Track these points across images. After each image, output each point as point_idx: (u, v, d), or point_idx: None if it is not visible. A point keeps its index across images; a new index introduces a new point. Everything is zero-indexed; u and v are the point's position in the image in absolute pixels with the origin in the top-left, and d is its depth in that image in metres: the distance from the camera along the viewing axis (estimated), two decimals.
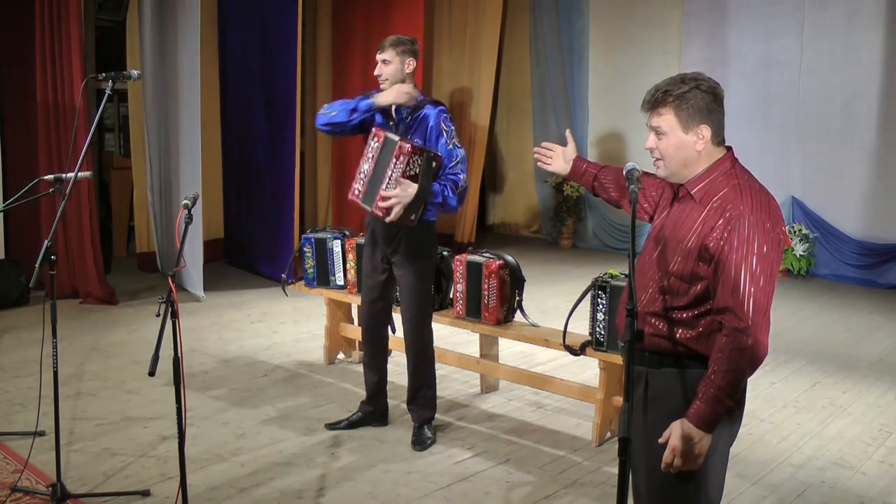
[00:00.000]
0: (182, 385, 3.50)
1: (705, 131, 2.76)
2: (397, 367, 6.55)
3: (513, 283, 5.59)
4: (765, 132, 10.80)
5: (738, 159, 2.85)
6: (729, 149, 2.85)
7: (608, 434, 5.19)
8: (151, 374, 3.26)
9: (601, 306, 4.99)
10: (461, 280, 5.66)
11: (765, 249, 2.62)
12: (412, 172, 4.63)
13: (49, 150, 8.61)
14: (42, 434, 4.95)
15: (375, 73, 4.96)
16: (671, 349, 2.80)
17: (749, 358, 2.58)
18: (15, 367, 6.47)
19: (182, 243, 3.49)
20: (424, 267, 5.00)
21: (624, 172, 2.91)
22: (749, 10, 10.89)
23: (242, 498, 4.39)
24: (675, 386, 2.80)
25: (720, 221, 2.67)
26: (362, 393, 5.41)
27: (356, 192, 4.87)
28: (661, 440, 2.65)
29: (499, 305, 5.51)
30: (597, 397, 5.17)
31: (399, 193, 4.61)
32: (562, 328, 5.03)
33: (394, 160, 4.61)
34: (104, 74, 4.44)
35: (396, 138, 4.66)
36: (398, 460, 4.89)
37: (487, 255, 5.64)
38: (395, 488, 4.53)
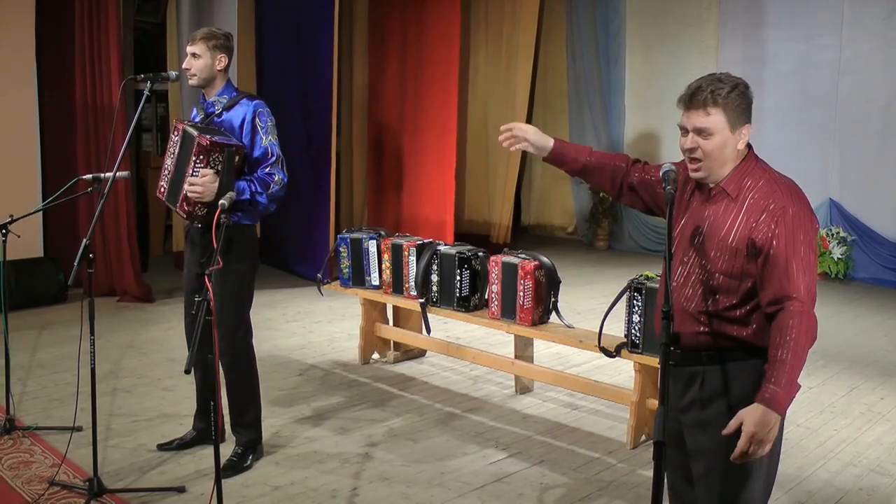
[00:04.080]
0: (217, 383, 3.52)
1: (746, 130, 2.80)
2: (431, 368, 6.56)
3: (548, 285, 5.57)
4: (802, 133, 10.68)
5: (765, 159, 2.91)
6: (749, 146, 2.89)
7: (643, 437, 5.15)
8: (187, 371, 3.28)
9: (637, 308, 4.95)
10: (496, 281, 5.64)
11: (809, 237, 2.71)
12: (214, 170, 4.31)
13: (87, 150, 8.72)
14: (79, 429, 4.99)
15: (184, 66, 4.61)
16: (727, 346, 2.81)
17: (812, 338, 2.64)
18: (53, 363, 6.54)
19: (219, 243, 3.51)
20: (236, 271, 4.47)
21: (661, 174, 2.90)
22: (787, 9, 10.77)
23: (276, 496, 4.40)
24: (734, 380, 2.81)
25: (763, 216, 2.71)
26: (399, 393, 5.41)
27: (161, 189, 4.59)
28: (725, 432, 2.63)
29: (534, 306, 5.49)
30: (632, 399, 5.14)
31: (201, 188, 4.29)
32: (597, 330, 5.00)
33: (193, 158, 4.31)
34: (142, 75, 4.49)
35: (195, 133, 4.32)
36: (432, 460, 4.89)
37: (523, 256, 5.62)
38: (428, 489, 4.52)
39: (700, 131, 2.79)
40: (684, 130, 2.85)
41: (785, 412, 2.61)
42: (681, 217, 2.97)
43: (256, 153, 4.52)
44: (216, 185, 4.29)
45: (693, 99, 2.80)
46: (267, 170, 4.51)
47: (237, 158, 4.40)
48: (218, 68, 4.58)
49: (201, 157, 4.29)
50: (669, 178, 2.84)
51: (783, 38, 10.81)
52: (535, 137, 3.38)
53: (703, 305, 2.82)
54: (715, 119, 2.77)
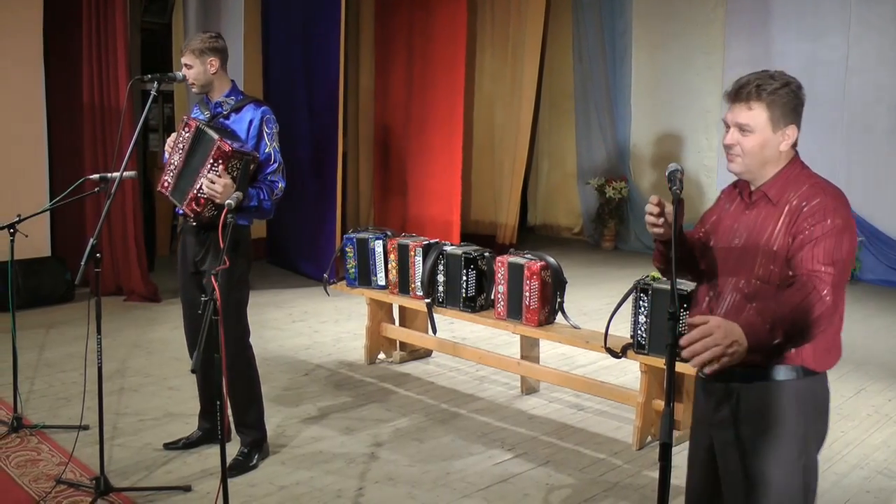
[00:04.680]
0: (224, 383, 3.52)
1: (791, 132, 2.71)
2: (436, 368, 6.57)
3: (554, 285, 5.57)
4: (809, 133, 10.38)
5: None
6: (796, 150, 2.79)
7: (649, 438, 5.15)
8: (194, 371, 3.29)
9: (643, 309, 4.94)
10: (502, 281, 5.64)
11: (846, 247, 2.59)
12: (230, 176, 4.33)
13: (94, 150, 8.75)
14: (86, 428, 5.03)
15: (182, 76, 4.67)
16: (762, 361, 2.66)
17: (821, 313, 2.49)
18: (60, 362, 6.56)
19: (225, 243, 3.52)
20: (232, 274, 4.42)
21: (666, 173, 2.76)
22: (794, 8, 10.72)
23: (282, 495, 4.40)
24: (770, 399, 2.68)
25: (803, 219, 2.62)
26: (404, 393, 5.41)
27: (166, 184, 4.60)
28: (684, 341, 2.38)
29: (540, 307, 5.49)
30: (638, 400, 5.13)
31: (221, 192, 4.28)
32: (603, 331, 5.00)
33: (211, 161, 4.31)
34: (149, 76, 4.50)
35: (216, 136, 4.33)
36: (437, 460, 4.89)
37: (529, 256, 5.62)
38: (434, 489, 4.52)
39: (741, 127, 2.70)
40: (727, 126, 2.75)
41: (751, 344, 2.39)
42: (721, 224, 2.88)
43: (260, 158, 4.55)
44: (234, 189, 4.29)
45: (738, 93, 2.70)
46: (270, 177, 4.56)
47: (252, 167, 4.44)
48: (211, 72, 4.61)
49: (220, 161, 4.30)
50: (675, 178, 2.72)
51: (790, 38, 10.78)
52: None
53: (738, 316, 2.60)
54: (756, 115, 2.67)
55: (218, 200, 4.32)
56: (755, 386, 2.70)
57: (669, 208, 2.75)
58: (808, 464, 2.73)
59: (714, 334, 2.35)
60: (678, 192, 2.71)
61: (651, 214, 2.75)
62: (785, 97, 2.67)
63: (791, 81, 2.70)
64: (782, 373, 2.67)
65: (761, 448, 2.67)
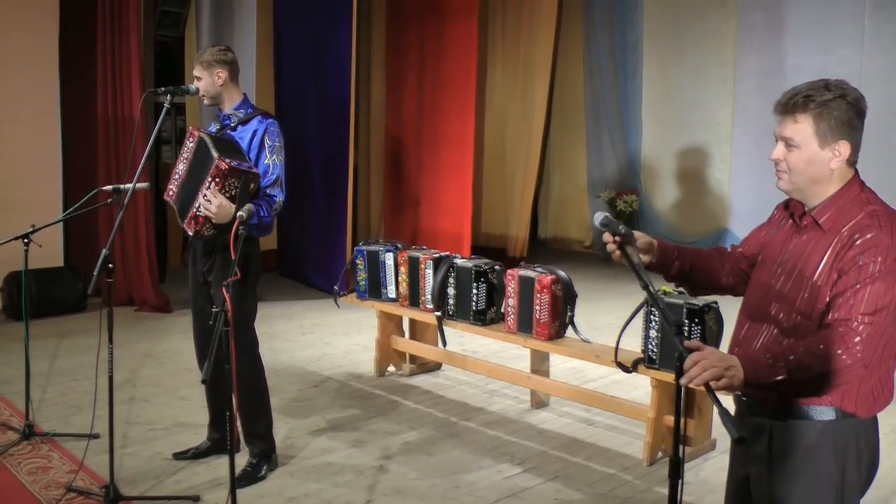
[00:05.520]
0: (234, 393, 3.53)
1: (843, 148, 2.48)
2: (446, 381, 6.56)
3: (565, 299, 5.56)
4: None
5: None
6: (856, 170, 2.56)
7: (659, 453, 5.12)
8: (204, 381, 3.30)
9: (654, 323, 4.93)
10: (513, 295, 5.63)
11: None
12: (228, 194, 4.33)
13: (108, 162, 8.81)
14: (96, 436, 5.04)
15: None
16: (798, 400, 2.50)
17: (844, 365, 2.33)
18: (72, 371, 6.59)
19: (237, 254, 3.53)
20: (241, 285, 4.39)
21: (598, 223, 2.65)
22: (806, 21, 10.63)
23: None
24: (804, 439, 2.51)
25: (851, 251, 2.41)
26: (414, 406, 5.41)
27: (170, 192, 4.66)
28: (688, 343, 2.36)
29: (550, 321, 5.48)
30: (648, 416, 5.11)
31: (216, 212, 4.32)
32: (614, 345, 4.99)
33: (209, 179, 4.32)
34: (163, 89, 4.54)
35: (215, 155, 4.33)
36: (447, 474, 4.88)
37: (540, 269, 5.62)
38: (443, 502, 4.52)
39: (786, 141, 2.51)
40: (776, 139, 2.56)
41: (749, 375, 2.32)
42: (769, 246, 2.70)
43: (259, 170, 4.57)
44: (231, 209, 4.32)
45: (786, 103, 2.52)
46: (269, 190, 4.57)
47: (252, 186, 4.45)
48: (219, 83, 4.67)
49: (217, 179, 4.32)
50: (611, 224, 2.64)
51: (802, 51, 10.70)
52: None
53: (776, 349, 2.47)
54: (802, 128, 2.48)
55: (214, 220, 4.35)
56: (789, 424, 2.54)
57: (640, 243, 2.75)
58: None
59: (709, 358, 2.30)
60: (629, 233, 2.65)
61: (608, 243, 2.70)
62: (837, 109, 2.45)
63: (848, 93, 2.49)
64: (818, 413, 2.49)
65: (794, 488, 2.53)
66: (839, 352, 2.33)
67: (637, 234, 2.76)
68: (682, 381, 2.33)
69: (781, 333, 2.54)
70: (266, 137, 4.61)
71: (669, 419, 5.06)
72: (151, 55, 10.35)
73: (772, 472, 2.58)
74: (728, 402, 2.47)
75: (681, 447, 2.42)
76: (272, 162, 4.60)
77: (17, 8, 8.39)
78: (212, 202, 4.31)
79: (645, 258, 2.80)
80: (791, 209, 2.68)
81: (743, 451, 2.67)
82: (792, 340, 2.47)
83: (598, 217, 2.67)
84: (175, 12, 10.49)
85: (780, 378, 2.35)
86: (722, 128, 11.52)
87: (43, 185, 8.67)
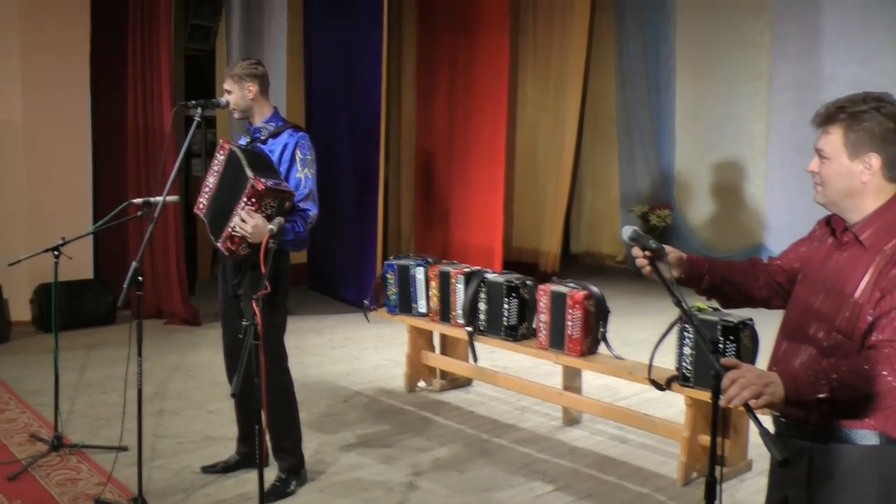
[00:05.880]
0: (263, 407, 3.49)
1: (874, 161, 2.42)
2: (477, 397, 6.50)
3: (597, 315, 5.48)
4: None
5: None
6: None
7: (694, 474, 5.02)
8: (234, 395, 3.27)
9: (687, 340, 4.85)
10: (545, 310, 5.57)
11: None
12: (264, 214, 4.28)
13: (138, 175, 8.85)
14: (125, 449, 5.01)
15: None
16: (840, 422, 2.43)
17: (882, 390, 2.28)
18: (101, 383, 6.60)
19: (267, 268, 3.50)
20: (271, 299, 4.26)
21: (626, 238, 2.63)
22: (843, 31, 10.41)
23: None
24: (845, 464, 2.43)
25: (892, 270, 2.35)
26: (444, 422, 5.36)
27: (200, 205, 4.64)
28: (724, 361, 2.30)
29: (583, 337, 5.41)
30: (682, 435, 5.01)
31: (251, 232, 4.26)
32: (647, 362, 4.89)
33: (245, 199, 4.28)
34: (193, 102, 4.53)
35: (250, 174, 4.28)
36: (477, 491, 4.81)
37: (572, 285, 5.55)
38: None
39: (819, 153, 2.48)
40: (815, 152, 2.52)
41: (789, 392, 2.26)
42: (810, 262, 2.64)
43: (291, 184, 4.54)
44: (266, 228, 4.27)
45: (821, 115, 2.49)
46: (302, 205, 4.53)
47: (287, 204, 4.43)
48: (249, 97, 4.65)
49: (253, 200, 4.28)
50: (641, 238, 2.62)
51: (839, 61, 10.51)
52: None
53: (813, 366, 2.41)
54: (832, 139, 2.45)
55: (250, 240, 4.32)
56: (830, 448, 2.45)
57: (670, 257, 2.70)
58: None
59: (746, 376, 2.24)
60: (653, 244, 2.61)
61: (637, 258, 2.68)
62: (868, 121, 2.40)
63: (884, 105, 2.43)
64: (861, 437, 2.41)
65: None
66: (885, 373, 2.27)
67: (666, 248, 2.71)
68: (722, 401, 2.26)
69: (821, 353, 2.46)
70: (297, 151, 4.58)
71: (704, 438, 4.96)
72: (182, 68, 10.41)
73: (811, 497, 2.50)
74: (767, 422, 2.39)
75: (717, 468, 2.36)
76: (304, 175, 4.57)
77: (48, 22, 8.46)
78: (248, 222, 4.28)
79: (675, 272, 2.74)
80: (832, 225, 2.63)
81: (781, 473, 2.59)
82: (833, 360, 2.39)
83: (627, 231, 2.66)
84: (205, 26, 10.54)
85: (821, 396, 2.28)
86: (757, 141, 11.39)
87: (73, 197, 8.73)
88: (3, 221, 8.31)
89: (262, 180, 4.28)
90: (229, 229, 4.38)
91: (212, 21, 10.56)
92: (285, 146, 4.60)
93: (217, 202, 4.53)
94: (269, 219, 4.27)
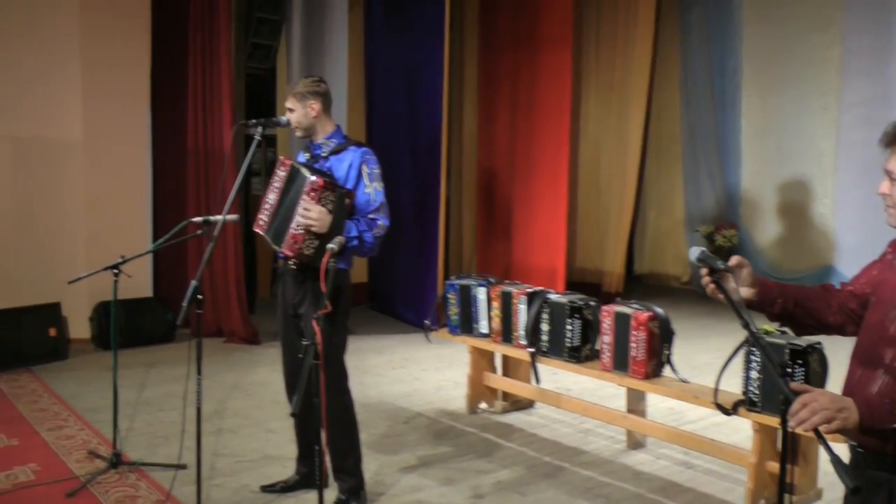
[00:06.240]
0: (323, 427, 3.44)
1: None
2: (539, 419, 6.39)
3: (662, 336, 5.35)
4: None
5: None
6: None
7: (762, 501, 4.85)
8: (293, 414, 3.22)
9: (754, 364, 4.69)
10: (608, 332, 5.45)
11: None
12: (325, 208, 4.30)
13: (197, 193, 8.92)
14: (184, 467, 5.00)
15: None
16: None
17: None
18: (159, 401, 6.62)
19: (328, 287, 3.45)
20: (332, 318, 4.37)
21: (693, 259, 2.58)
22: None
23: None
24: None
25: None
26: (506, 445, 5.26)
27: (261, 222, 4.61)
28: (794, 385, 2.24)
29: (647, 359, 5.27)
30: (749, 461, 4.84)
31: (316, 218, 4.27)
32: (713, 385, 4.75)
33: (304, 197, 4.29)
34: (254, 121, 4.51)
35: (307, 174, 4.33)
36: None
37: (636, 306, 5.42)
38: None
39: (890, 175, 2.37)
40: (887, 175, 2.42)
41: (865, 419, 2.20)
42: (884, 286, 2.52)
43: (360, 199, 4.51)
44: (330, 218, 4.28)
45: (889, 134, 2.37)
46: (371, 214, 4.50)
47: (347, 201, 4.39)
48: (312, 115, 4.61)
49: (312, 194, 4.27)
50: (708, 259, 2.55)
51: None
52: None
53: (890, 394, 2.31)
54: None
55: (315, 229, 4.29)
56: None
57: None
58: None
59: (819, 400, 2.14)
60: (722, 265, 2.54)
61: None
62: None
63: None
64: None
65: None
66: None
67: (743, 261, 2.61)
68: (791, 424, 2.16)
69: (894, 378, 2.33)
70: (364, 166, 4.55)
71: (772, 465, 4.79)
72: (242, 87, 10.49)
73: None
74: (841, 451, 2.26)
75: (785, 496, 2.23)
76: (373, 189, 4.55)
77: (109, 41, 8.56)
78: (311, 210, 4.26)
79: (748, 292, 2.63)
80: None
81: (855, 503, 2.45)
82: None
83: (694, 252, 2.60)
84: (266, 44, 10.60)
85: None
86: (825, 159, 11.11)
87: (133, 216, 8.82)
88: (63, 239, 8.43)
89: (320, 176, 4.31)
90: (292, 230, 4.35)
91: (272, 40, 10.62)
92: (350, 163, 4.57)
93: (278, 216, 4.51)
94: (329, 213, 4.28)
